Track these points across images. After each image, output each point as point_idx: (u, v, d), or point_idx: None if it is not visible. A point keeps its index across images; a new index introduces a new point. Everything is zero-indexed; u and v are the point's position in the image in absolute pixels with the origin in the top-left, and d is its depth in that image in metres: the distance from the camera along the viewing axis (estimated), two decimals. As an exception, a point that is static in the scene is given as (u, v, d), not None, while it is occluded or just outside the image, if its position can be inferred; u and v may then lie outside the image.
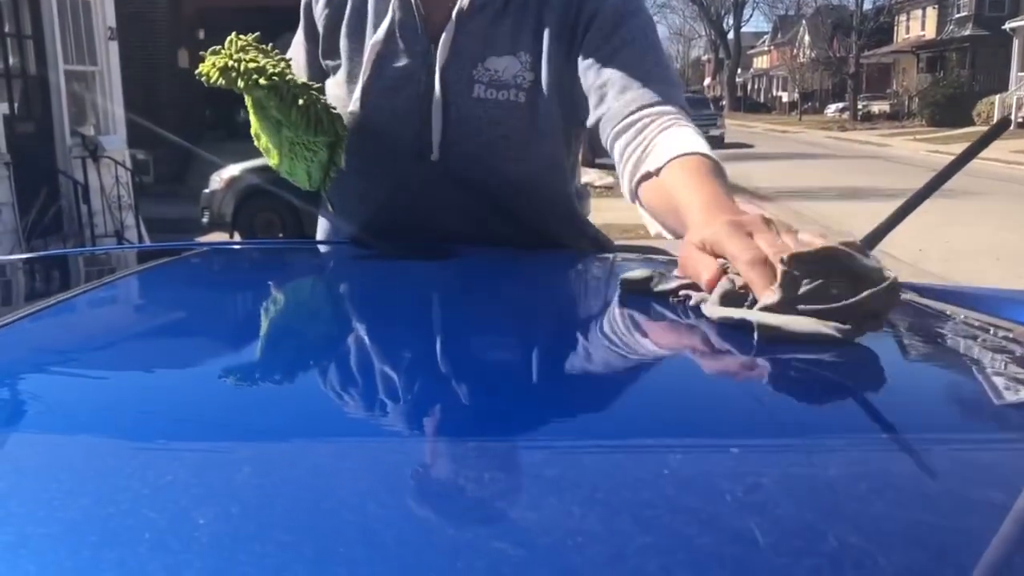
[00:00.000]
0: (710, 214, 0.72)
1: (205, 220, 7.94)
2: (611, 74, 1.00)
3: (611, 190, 12.43)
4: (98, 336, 0.68)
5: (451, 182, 1.06)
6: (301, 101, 0.95)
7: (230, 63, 0.95)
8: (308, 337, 0.68)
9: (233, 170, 7.78)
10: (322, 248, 1.23)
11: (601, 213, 9.60)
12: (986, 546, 0.36)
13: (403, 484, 0.39)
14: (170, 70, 11.63)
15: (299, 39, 1.18)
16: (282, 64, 0.97)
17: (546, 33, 1.04)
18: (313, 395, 0.52)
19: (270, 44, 1.01)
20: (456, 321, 0.73)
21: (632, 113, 0.98)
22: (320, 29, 1.14)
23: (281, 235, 7.58)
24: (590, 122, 1.04)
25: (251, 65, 0.94)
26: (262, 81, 0.94)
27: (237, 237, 7.63)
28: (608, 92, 1.00)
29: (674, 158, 0.88)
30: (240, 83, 0.94)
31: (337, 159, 1.02)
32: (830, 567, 0.33)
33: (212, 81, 0.95)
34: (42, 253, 1.44)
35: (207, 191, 8.01)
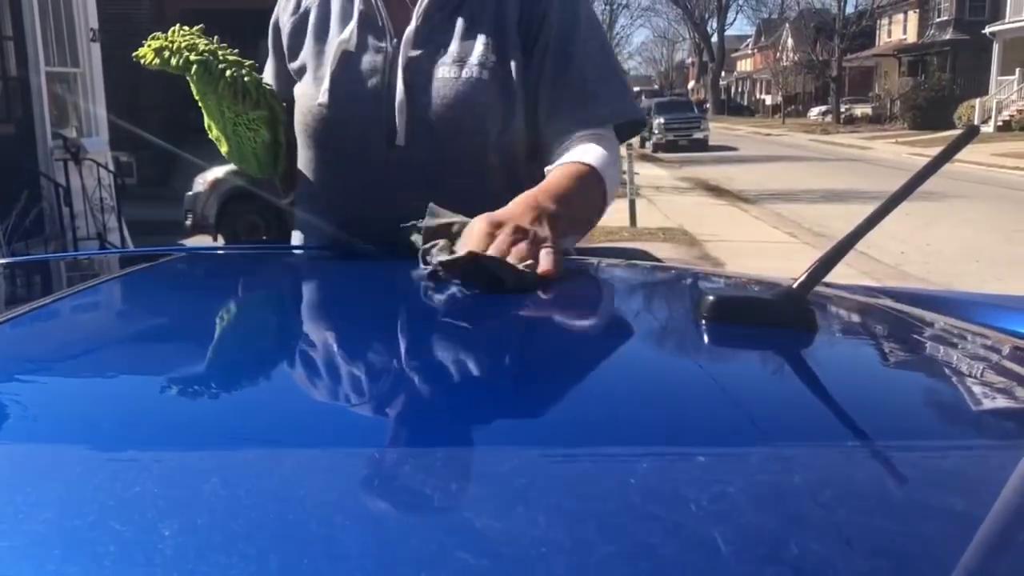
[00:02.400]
0: (513, 206, 0.93)
1: (188, 223, 7.88)
2: (555, 98, 1.11)
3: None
4: (67, 344, 0.67)
5: (418, 167, 1.09)
6: (228, 72, 0.98)
7: (165, 43, 0.99)
8: (277, 346, 0.68)
9: (217, 172, 7.73)
10: (299, 254, 1.23)
11: (585, 215, 9.58)
12: (948, 552, 0.36)
13: (369, 494, 0.39)
14: (153, 72, 11.50)
15: (269, 60, 1.24)
16: (222, 48, 1.01)
17: (507, 23, 1.10)
18: (282, 404, 0.52)
19: (229, 47, 1.04)
20: (424, 329, 0.73)
21: (564, 140, 1.12)
22: (286, 37, 1.19)
23: (265, 238, 7.54)
24: (541, 137, 1.14)
25: (183, 43, 0.98)
26: (192, 56, 0.97)
27: (221, 240, 7.59)
28: (551, 117, 1.11)
29: (563, 163, 1.07)
30: (174, 61, 0.97)
31: (280, 138, 1.05)
32: (792, 575, 0.33)
33: (148, 62, 0.99)
34: (18, 258, 1.43)
35: (190, 193, 7.96)
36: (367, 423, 0.49)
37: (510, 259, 0.81)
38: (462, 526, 0.36)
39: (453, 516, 0.37)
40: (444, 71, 1.07)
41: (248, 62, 1.02)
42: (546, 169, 1.09)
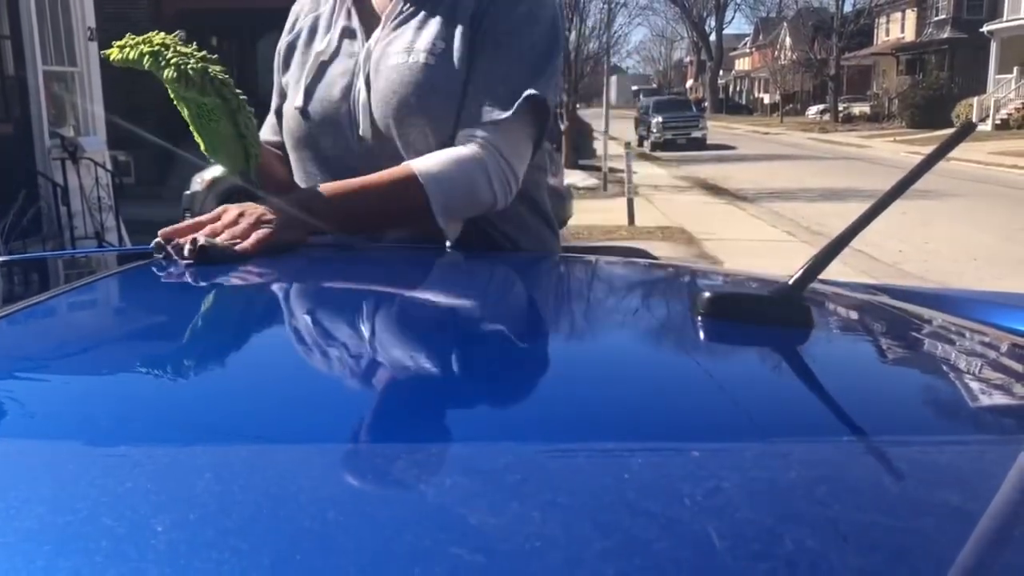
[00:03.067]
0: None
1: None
2: (468, 93, 1.11)
3: (594, 191, 12.44)
4: (61, 341, 0.67)
5: (382, 156, 1.13)
6: (173, 61, 1.03)
7: (127, 42, 1.05)
8: (272, 341, 0.68)
9: (214, 171, 7.72)
10: (299, 251, 1.23)
11: (585, 214, 9.59)
12: (945, 548, 0.36)
13: (363, 490, 0.39)
14: (150, 71, 11.49)
15: (275, 82, 1.32)
16: (181, 44, 1.05)
17: (460, 14, 1.15)
18: (275, 400, 0.51)
19: (207, 55, 1.08)
20: (417, 324, 0.73)
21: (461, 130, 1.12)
22: (282, 55, 1.29)
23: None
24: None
25: (139, 38, 1.04)
26: (145, 49, 1.03)
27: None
28: (461, 112, 1.11)
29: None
30: (131, 54, 1.03)
31: (243, 131, 1.09)
32: (787, 570, 0.33)
33: (112, 58, 1.05)
34: (15, 256, 1.43)
35: (188, 192, 7.95)
36: (361, 419, 0.49)
37: (222, 237, 0.96)
38: (456, 522, 0.36)
39: (447, 512, 0.37)
40: (395, 59, 1.13)
41: (200, 54, 1.06)
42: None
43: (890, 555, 0.35)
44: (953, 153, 0.67)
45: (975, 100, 27.08)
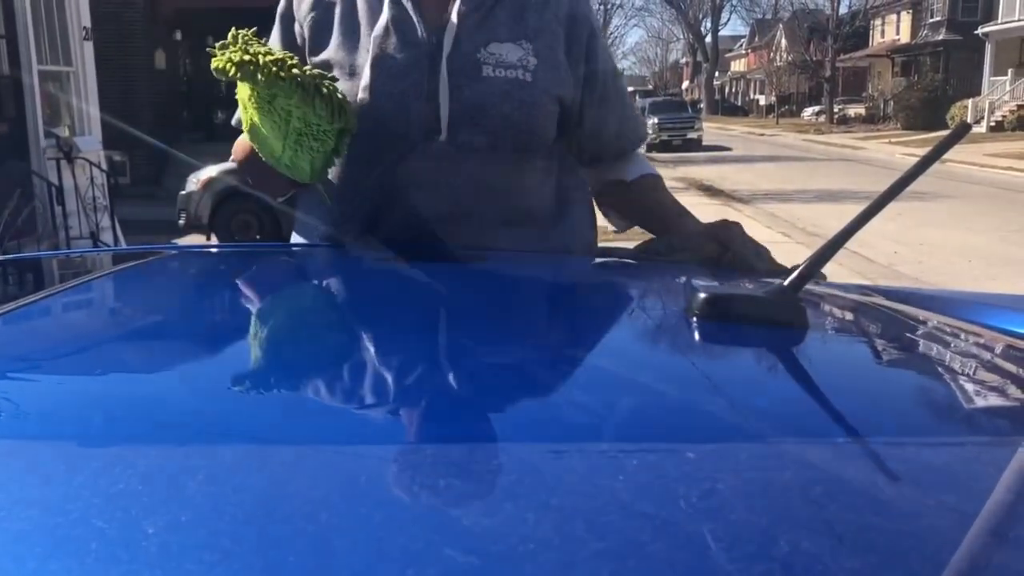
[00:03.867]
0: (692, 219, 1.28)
1: (182, 222, 7.87)
2: (622, 120, 1.26)
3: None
4: (54, 341, 0.67)
5: (456, 159, 1.12)
6: (325, 91, 0.97)
7: (246, 57, 0.95)
8: (266, 343, 0.67)
9: (210, 172, 7.73)
10: (294, 252, 1.23)
11: (580, 215, 9.58)
12: (940, 549, 0.36)
13: (357, 492, 0.38)
14: (147, 71, 11.51)
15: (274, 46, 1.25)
16: (290, 56, 0.99)
17: (548, 32, 1.15)
18: (269, 401, 0.51)
19: (264, 39, 1.02)
20: (411, 326, 0.73)
21: (625, 154, 1.30)
22: (306, 31, 1.19)
23: (258, 237, 7.53)
24: (579, 153, 1.27)
25: (269, 59, 0.95)
26: (283, 74, 0.95)
27: (214, 239, 7.58)
28: (618, 136, 1.26)
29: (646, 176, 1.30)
30: (260, 77, 0.94)
31: (341, 148, 1.04)
32: (782, 571, 0.33)
33: (230, 76, 0.96)
34: (8, 256, 1.42)
35: (184, 193, 7.95)
36: (354, 420, 0.48)
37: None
38: (449, 523, 0.36)
39: (440, 513, 0.36)
40: (488, 71, 1.11)
41: (330, 75, 1.01)
42: (629, 178, 1.29)
43: (885, 556, 0.35)
44: (948, 155, 0.67)
45: (970, 102, 27.13)
